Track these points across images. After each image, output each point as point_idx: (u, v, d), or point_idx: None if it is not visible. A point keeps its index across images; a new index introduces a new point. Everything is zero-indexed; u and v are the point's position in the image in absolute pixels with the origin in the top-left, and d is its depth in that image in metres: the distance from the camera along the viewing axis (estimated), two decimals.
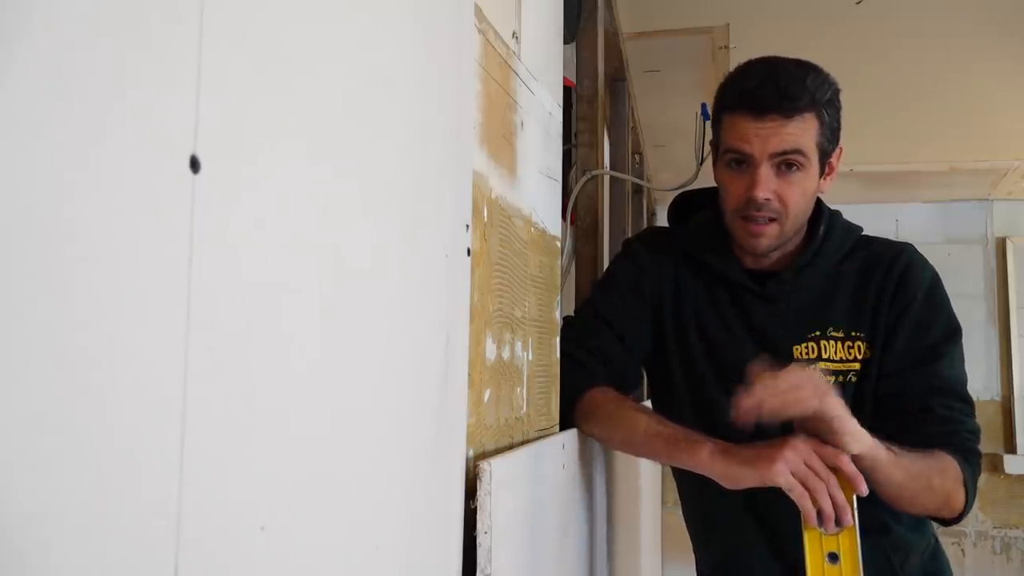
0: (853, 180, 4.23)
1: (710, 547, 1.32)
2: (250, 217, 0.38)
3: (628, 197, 2.59)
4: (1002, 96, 3.22)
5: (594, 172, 1.62)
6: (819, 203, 1.20)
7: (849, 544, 0.96)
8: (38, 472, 0.26)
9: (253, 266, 0.38)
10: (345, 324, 0.48)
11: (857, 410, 1.15)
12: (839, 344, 1.16)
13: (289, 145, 0.42)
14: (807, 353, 1.16)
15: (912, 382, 1.13)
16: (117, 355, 0.30)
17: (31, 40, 0.26)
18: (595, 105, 1.65)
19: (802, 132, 1.09)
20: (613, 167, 2.23)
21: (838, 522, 0.94)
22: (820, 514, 0.94)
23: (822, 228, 1.18)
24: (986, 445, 4.60)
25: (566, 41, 1.34)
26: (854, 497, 0.96)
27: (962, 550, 4.66)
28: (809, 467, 0.94)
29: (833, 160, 1.16)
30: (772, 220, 1.12)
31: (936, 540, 1.25)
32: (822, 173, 1.14)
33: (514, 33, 0.90)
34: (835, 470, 0.95)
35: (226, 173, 0.36)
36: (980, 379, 4.69)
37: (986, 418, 4.68)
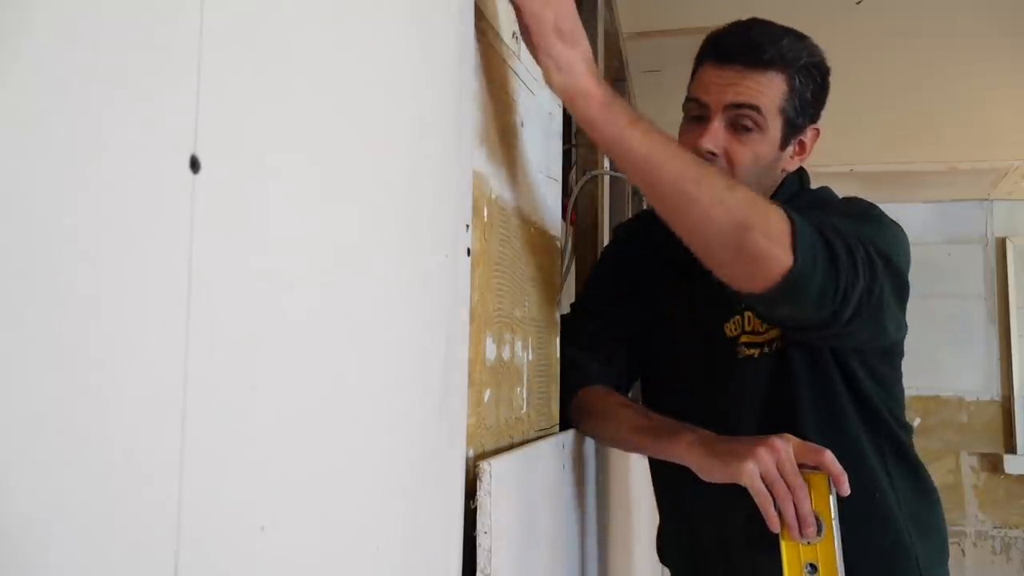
0: (853, 180, 4.22)
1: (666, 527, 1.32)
2: (250, 217, 0.38)
3: (628, 197, 2.58)
4: (1002, 96, 3.21)
5: (594, 172, 1.62)
6: (784, 185, 1.11)
7: (827, 555, 0.93)
8: (38, 472, 0.26)
9: (253, 266, 0.38)
10: (345, 324, 0.48)
11: (783, 379, 1.06)
12: None
13: (289, 145, 0.42)
14: (734, 329, 1.11)
15: None
16: (117, 355, 0.30)
17: (32, 40, 0.26)
18: None
19: (763, 88, 1.02)
20: (613, 167, 2.23)
21: (802, 532, 0.92)
22: (784, 522, 0.92)
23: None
24: (986, 445, 4.63)
25: None
26: (833, 501, 0.92)
27: (962, 550, 4.66)
28: (781, 472, 0.91)
29: (806, 140, 1.09)
30: None
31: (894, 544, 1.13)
32: (785, 144, 1.07)
33: (514, 33, 0.90)
34: (818, 467, 0.92)
35: (226, 173, 0.36)
36: (980, 379, 4.69)
37: (986, 418, 4.68)
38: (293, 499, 0.42)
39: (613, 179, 2.19)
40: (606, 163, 1.93)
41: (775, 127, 1.04)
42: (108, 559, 0.29)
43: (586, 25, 1.65)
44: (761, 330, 1.09)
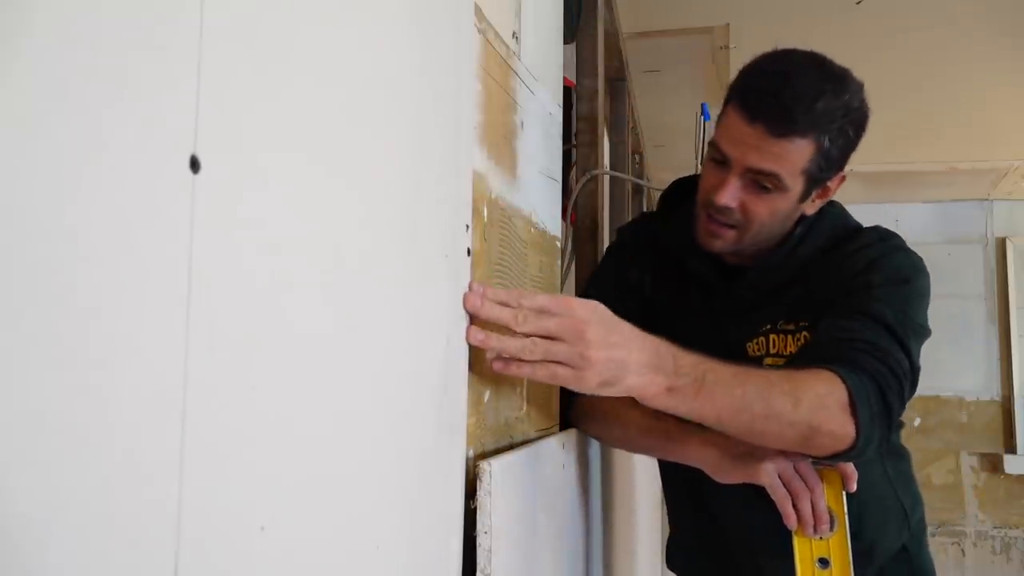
0: (853, 180, 4.19)
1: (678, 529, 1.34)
2: (250, 217, 0.38)
3: (628, 197, 2.58)
4: (1002, 95, 3.22)
5: (594, 172, 1.62)
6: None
7: (840, 549, 0.96)
8: (38, 472, 0.26)
9: (253, 266, 0.38)
10: (345, 324, 0.48)
11: None
12: (789, 337, 1.09)
13: (289, 145, 0.42)
14: (757, 349, 1.11)
15: (826, 320, 0.99)
16: (117, 355, 0.30)
17: (32, 40, 0.26)
18: (595, 105, 1.65)
19: (787, 156, 0.99)
20: (613, 167, 2.23)
21: (817, 528, 0.94)
22: (800, 519, 0.94)
23: (798, 230, 1.10)
24: (986, 445, 4.63)
25: (566, 41, 1.34)
26: (844, 497, 0.95)
27: (962, 550, 4.66)
28: (797, 471, 0.94)
29: (831, 184, 1.07)
30: (732, 227, 1.06)
31: (905, 548, 1.18)
32: (805, 197, 1.05)
33: (514, 33, 0.90)
34: (829, 466, 0.95)
35: (226, 173, 0.36)
36: (980, 379, 4.69)
37: (986, 418, 4.68)
38: (293, 499, 0.42)
39: (613, 179, 2.19)
40: (606, 163, 1.93)
41: (796, 185, 1.02)
42: (108, 559, 0.29)
43: (586, 25, 1.66)
44: (785, 353, 1.09)
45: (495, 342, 0.72)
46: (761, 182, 1.01)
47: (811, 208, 1.09)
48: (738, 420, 0.86)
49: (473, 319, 0.70)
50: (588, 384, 0.76)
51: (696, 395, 0.83)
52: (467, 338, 0.69)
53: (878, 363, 0.92)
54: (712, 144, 1.06)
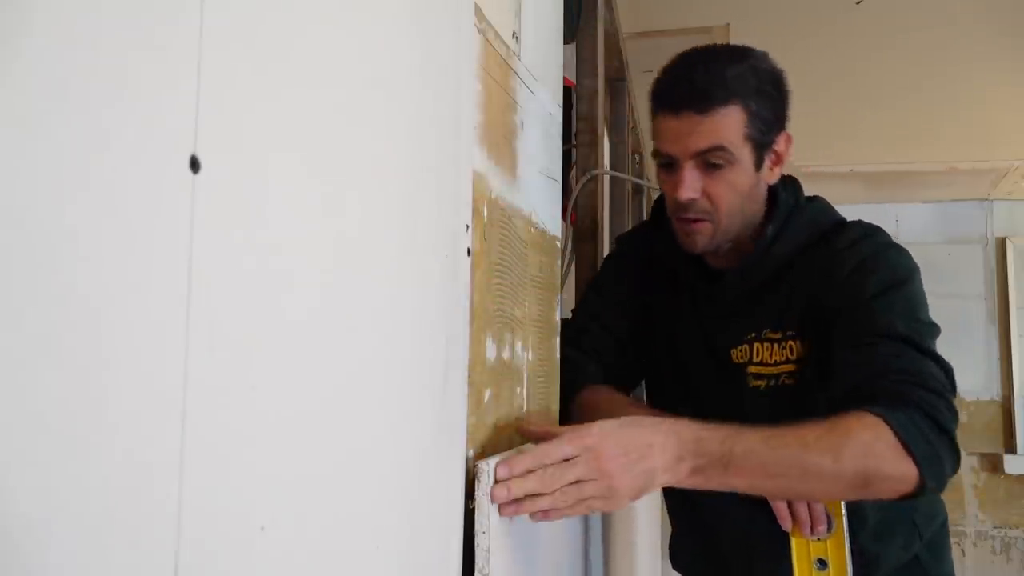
0: (853, 180, 4.22)
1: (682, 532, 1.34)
2: (250, 218, 0.38)
3: (628, 197, 2.58)
4: (1002, 96, 3.22)
5: (594, 172, 1.62)
6: (778, 195, 1.12)
7: (837, 550, 0.96)
8: (38, 473, 0.26)
9: (253, 267, 0.38)
10: (345, 325, 0.48)
11: (797, 413, 1.02)
12: (774, 346, 1.09)
13: (289, 145, 0.42)
14: (741, 356, 1.11)
15: (841, 350, 0.99)
16: (117, 355, 0.30)
17: (32, 40, 0.26)
18: (595, 105, 1.64)
19: (722, 127, 1.03)
20: (613, 167, 2.23)
21: (814, 529, 0.94)
22: (796, 520, 0.94)
23: (770, 229, 1.11)
24: (986, 445, 4.63)
25: (566, 41, 1.34)
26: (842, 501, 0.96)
27: (962, 550, 4.66)
28: None
29: (779, 148, 1.09)
30: (704, 220, 1.07)
31: (918, 558, 1.18)
32: (760, 164, 1.07)
33: (514, 33, 0.90)
34: None
35: (226, 173, 0.36)
36: (980, 379, 4.69)
37: (986, 418, 4.68)
38: (293, 499, 0.42)
39: (613, 179, 2.19)
40: (606, 163, 1.93)
41: (745, 155, 1.05)
42: (108, 559, 0.29)
43: (586, 25, 1.66)
44: (770, 361, 1.09)
45: (528, 506, 0.74)
46: (711, 160, 1.04)
47: (771, 177, 1.11)
48: (775, 487, 0.87)
49: (496, 480, 0.72)
50: (623, 504, 0.79)
51: (725, 471, 0.83)
52: (499, 513, 0.72)
53: (916, 388, 0.91)
54: (655, 154, 1.10)
